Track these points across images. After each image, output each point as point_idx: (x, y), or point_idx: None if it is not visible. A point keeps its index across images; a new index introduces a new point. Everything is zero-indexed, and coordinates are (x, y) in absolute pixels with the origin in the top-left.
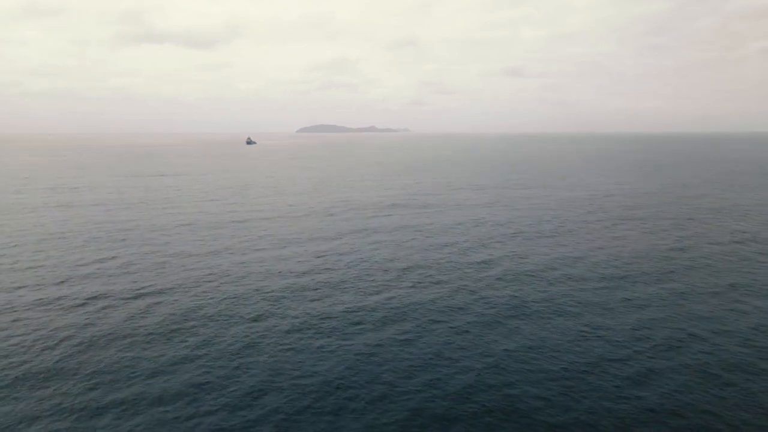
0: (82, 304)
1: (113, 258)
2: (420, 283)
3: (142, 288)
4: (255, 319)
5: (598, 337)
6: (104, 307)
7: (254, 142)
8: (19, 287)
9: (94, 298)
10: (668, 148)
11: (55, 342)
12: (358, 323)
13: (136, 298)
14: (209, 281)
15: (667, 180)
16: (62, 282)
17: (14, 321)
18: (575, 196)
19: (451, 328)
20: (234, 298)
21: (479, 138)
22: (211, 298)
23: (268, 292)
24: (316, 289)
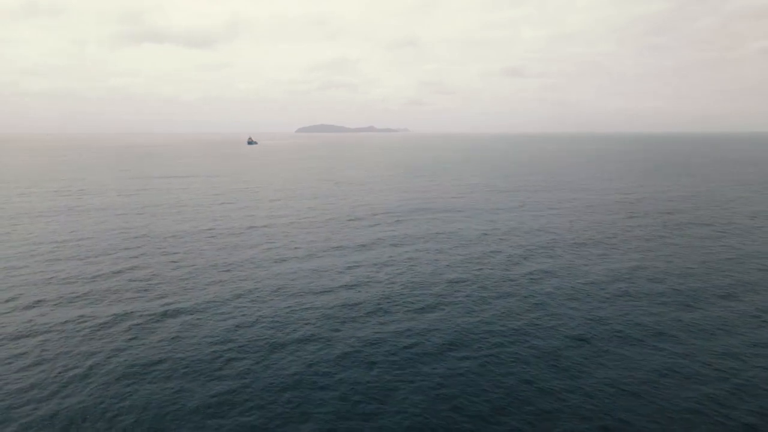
0: (107, 324)
1: (133, 269)
2: (470, 297)
3: (170, 304)
4: (298, 342)
5: (715, 367)
6: (132, 327)
7: (255, 142)
8: (37, 302)
9: (120, 316)
10: (670, 148)
11: (83, 370)
12: (415, 346)
13: (164, 316)
14: (241, 296)
15: (688, 181)
16: (82, 297)
17: (36, 346)
18: (605, 199)
19: (526, 351)
20: (270, 316)
21: (479, 138)
22: (245, 316)
23: (306, 309)
24: (358, 304)
